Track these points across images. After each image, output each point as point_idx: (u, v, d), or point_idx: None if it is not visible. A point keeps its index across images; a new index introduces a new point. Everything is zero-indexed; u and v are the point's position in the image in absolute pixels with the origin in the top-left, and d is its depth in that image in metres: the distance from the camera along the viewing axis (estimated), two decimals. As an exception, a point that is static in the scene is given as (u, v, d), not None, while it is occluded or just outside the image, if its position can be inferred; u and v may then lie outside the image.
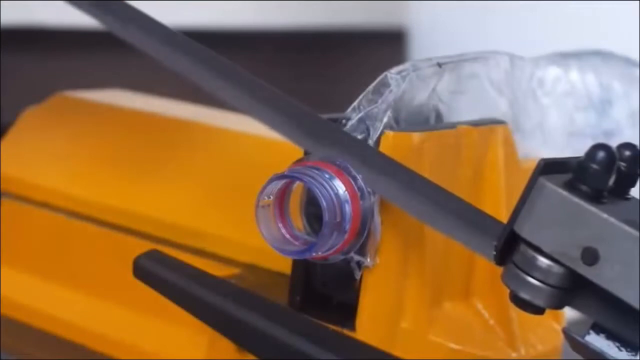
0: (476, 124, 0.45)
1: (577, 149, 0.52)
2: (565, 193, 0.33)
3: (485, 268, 0.44)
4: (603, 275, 0.33)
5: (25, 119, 0.58)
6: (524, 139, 0.49)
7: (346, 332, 0.41)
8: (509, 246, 0.35)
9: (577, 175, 0.33)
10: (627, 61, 0.54)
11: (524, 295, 0.34)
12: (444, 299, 0.44)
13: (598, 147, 0.33)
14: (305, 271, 0.43)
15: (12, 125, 0.58)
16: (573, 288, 0.34)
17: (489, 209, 0.45)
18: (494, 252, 0.35)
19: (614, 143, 0.53)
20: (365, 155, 0.40)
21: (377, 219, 0.41)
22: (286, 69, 1.24)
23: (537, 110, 0.50)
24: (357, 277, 0.41)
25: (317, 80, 1.26)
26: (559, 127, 0.52)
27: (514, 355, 0.43)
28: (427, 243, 0.42)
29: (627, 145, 0.34)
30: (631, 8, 0.89)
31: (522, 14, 0.98)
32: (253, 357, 0.41)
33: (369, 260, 0.41)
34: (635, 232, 0.32)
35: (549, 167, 0.34)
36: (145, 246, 0.45)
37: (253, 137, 0.51)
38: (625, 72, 0.54)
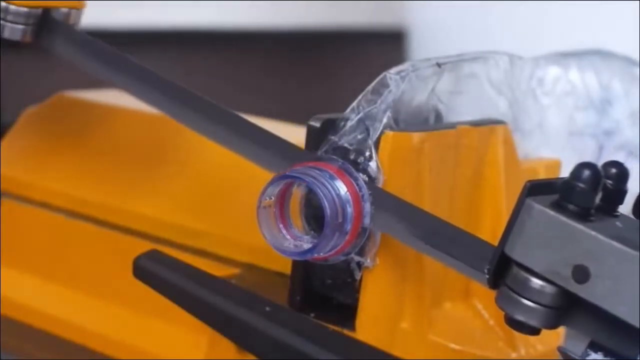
0: (476, 124, 0.45)
1: (577, 149, 0.52)
2: (552, 213, 0.34)
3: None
4: (595, 293, 0.33)
5: (25, 119, 0.58)
6: (524, 139, 0.49)
7: (346, 332, 0.41)
8: (501, 269, 0.35)
9: (563, 194, 0.34)
10: (627, 61, 0.54)
11: (519, 317, 0.35)
12: (444, 299, 0.44)
13: (583, 165, 0.34)
14: (305, 271, 0.43)
15: (12, 125, 0.58)
16: (567, 307, 0.34)
17: (489, 209, 0.45)
18: (487, 276, 0.36)
19: (614, 143, 0.53)
20: None
21: (377, 219, 0.41)
22: (286, 69, 1.24)
23: (537, 110, 0.50)
24: (358, 277, 0.42)
25: (317, 80, 1.26)
26: (559, 127, 0.52)
27: (514, 355, 0.44)
28: (427, 243, 0.42)
29: (613, 163, 0.35)
30: (631, 8, 0.89)
31: (522, 14, 0.98)
32: (253, 357, 0.41)
33: (369, 261, 0.41)
34: (623, 248, 0.32)
35: (536, 189, 0.34)
36: (145, 246, 0.45)
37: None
38: (626, 71, 0.54)
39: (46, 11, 0.48)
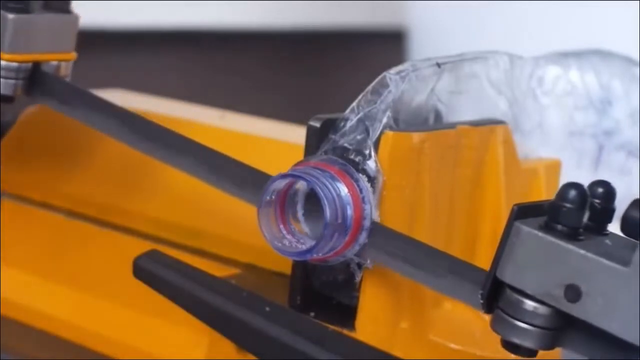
0: (476, 124, 0.45)
1: (577, 149, 0.52)
2: (541, 234, 0.34)
3: (485, 269, 0.44)
4: (587, 311, 0.33)
5: (25, 119, 0.58)
6: (524, 139, 0.49)
7: (346, 332, 0.41)
8: (494, 293, 0.35)
9: (551, 215, 0.34)
10: (627, 60, 0.54)
11: (514, 339, 0.35)
12: (443, 299, 0.44)
13: (569, 186, 0.34)
14: (305, 271, 0.43)
15: (12, 125, 0.58)
16: (562, 327, 0.34)
17: (489, 209, 0.45)
18: (481, 301, 0.36)
19: (614, 142, 0.53)
20: None
21: (377, 218, 0.41)
22: (286, 69, 1.24)
23: (537, 110, 0.50)
24: (358, 278, 0.41)
25: (318, 80, 1.26)
26: (558, 126, 0.52)
27: (513, 355, 0.43)
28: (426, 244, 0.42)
29: (600, 183, 0.35)
30: (631, 8, 0.89)
31: (522, 13, 0.98)
32: (253, 357, 0.41)
33: (368, 261, 0.41)
34: (612, 264, 0.32)
35: (524, 212, 0.35)
36: (145, 246, 0.45)
37: (253, 137, 0.51)
38: (625, 71, 0.54)
39: (36, 65, 0.48)
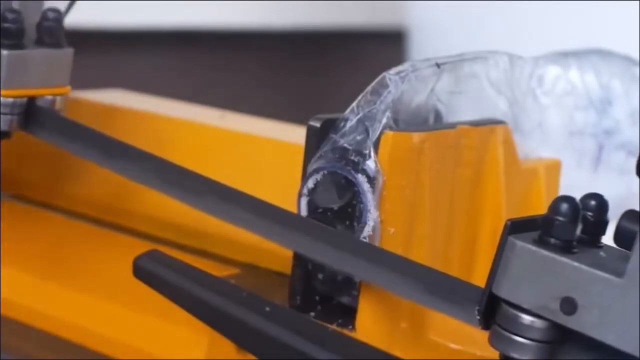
0: (476, 124, 0.45)
1: (577, 149, 0.52)
2: (535, 248, 0.34)
3: (485, 269, 0.44)
4: (584, 323, 0.33)
5: (25, 119, 0.58)
6: (524, 138, 0.49)
7: (346, 332, 0.42)
8: (490, 309, 0.36)
9: (544, 229, 0.34)
10: (627, 60, 0.54)
11: (512, 354, 0.35)
12: (443, 298, 0.44)
13: (561, 199, 0.34)
14: (305, 271, 0.43)
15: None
16: (560, 340, 0.35)
17: (489, 209, 0.45)
18: (478, 317, 0.36)
19: (614, 142, 0.53)
20: (324, 236, 0.40)
21: (377, 218, 0.41)
22: (286, 69, 1.24)
23: (537, 110, 0.50)
24: (357, 278, 0.42)
25: (318, 80, 1.26)
26: (558, 126, 0.52)
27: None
28: (427, 243, 0.42)
29: (592, 195, 0.35)
30: (631, 8, 0.89)
31: (522, 13, 0.98)
32: (253, 357, 0.41)
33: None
34: (606, 275, 0.33)
35: (517, 227, 0.35)
36: (145, 246, 0.45)
37: (253, 137, 0.51)
38: (625, 71, 0.54)
39: (31, 100, 0.48)
